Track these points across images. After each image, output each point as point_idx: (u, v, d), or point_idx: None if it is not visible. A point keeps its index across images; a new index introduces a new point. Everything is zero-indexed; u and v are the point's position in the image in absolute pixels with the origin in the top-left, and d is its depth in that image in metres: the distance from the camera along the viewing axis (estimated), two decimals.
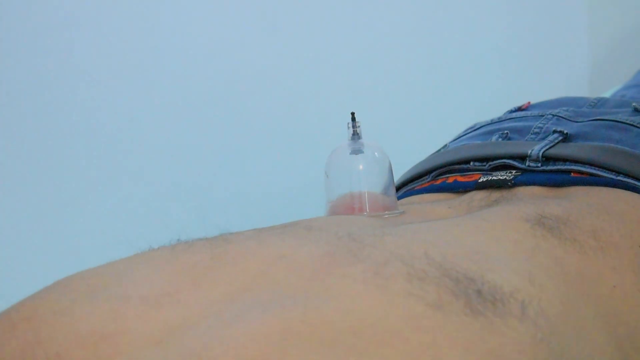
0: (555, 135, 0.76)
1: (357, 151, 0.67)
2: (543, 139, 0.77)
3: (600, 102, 0.92)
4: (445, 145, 0.90)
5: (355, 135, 0.67)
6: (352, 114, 0.68)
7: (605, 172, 0.69)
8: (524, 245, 0.50)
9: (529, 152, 0.73)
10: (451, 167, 0.79)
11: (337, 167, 0.68)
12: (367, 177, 0.66)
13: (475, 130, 0.89)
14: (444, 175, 0.79)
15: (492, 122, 0.90)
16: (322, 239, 0.45)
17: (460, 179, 0.76)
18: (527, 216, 0.55)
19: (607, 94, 1.27)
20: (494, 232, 0.52)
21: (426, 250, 0.43)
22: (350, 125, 0.67)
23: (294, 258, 0.42)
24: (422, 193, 0.78)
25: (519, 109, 0.94)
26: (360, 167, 0.66)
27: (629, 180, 0.68)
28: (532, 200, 0.65)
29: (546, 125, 0.80)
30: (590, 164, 0.70)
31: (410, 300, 0.37)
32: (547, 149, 0.73)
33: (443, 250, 0.44)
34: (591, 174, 0.70)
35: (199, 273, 0.40)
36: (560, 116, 0.83)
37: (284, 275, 0.40)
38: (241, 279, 0.39)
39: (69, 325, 0.34)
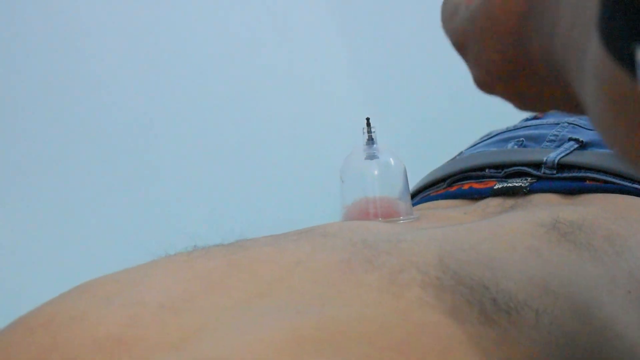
0: (571, 142, 0.76)
1: (372, 156, 0.67)
2: (559, 146, 0.77)
3: None
4: (461, 153, 0.90)
5: (370, 141, 0.67)
6: (367, 119, 0.68)
7: (620, 179, 0.69)
8: (538, 251, 0.50)
9: (545, 159, 0.73)
10: (467, 173, 0.79)
11: (352, 172, 0.68)
12: (382, 183, 0.66)
13: (491, 137, 0.89)
14: (460, 182, 0.79)
15: (507, 130, 0.90)
16: (337, 245, 0.45)
17: (476, 185, 0.76)
18: (541, 221, 0.55)
19: None
20: (509, 238, 0.52)
21: (441, 257, 0.43)
22: (366, 130, 0.68)
23: (309, 265, 0.42)
24: (438, 199, 0.79)
25: (535, 117, 0.93)
26: (375, 172, 0.67)
27: None
28: (547, 206, 0.64)
29: (562, 133, 0.80)
30: (605, 171, 0.70)
31: (425, 308, 0.37)
32: (562, 157, 0.73)
33: (458, 258, 0.44)
34: (606, 181, 0.70)
35: (216, 279, 0.40)
36: (576, 124, 0.82)
37: (300, 282, 0.40)
38: (257, 285, 0.39)
39: (86, 331, 0.34)
